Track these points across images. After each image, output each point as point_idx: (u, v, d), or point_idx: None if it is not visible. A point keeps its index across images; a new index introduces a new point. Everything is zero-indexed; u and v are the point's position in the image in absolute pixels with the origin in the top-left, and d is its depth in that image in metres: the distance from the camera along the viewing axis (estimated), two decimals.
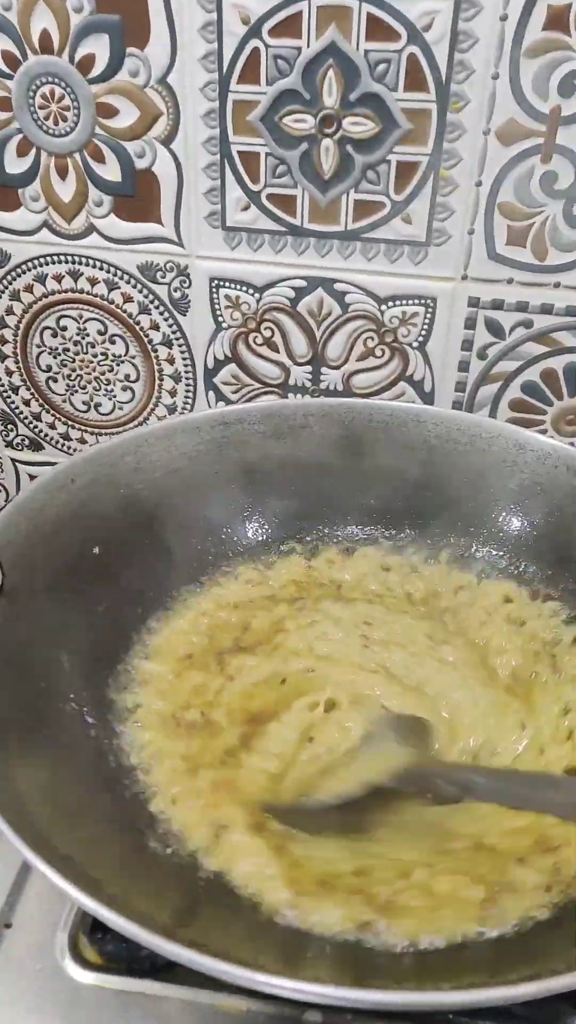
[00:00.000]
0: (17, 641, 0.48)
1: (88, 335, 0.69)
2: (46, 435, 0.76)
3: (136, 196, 0.62)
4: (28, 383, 0.73)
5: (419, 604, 0.57)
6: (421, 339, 0.62)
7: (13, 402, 0.75)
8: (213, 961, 0.33)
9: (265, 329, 0.65)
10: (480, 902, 0.39)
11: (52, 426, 0.75)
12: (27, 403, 0.74)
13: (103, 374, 0.71)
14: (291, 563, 0.60)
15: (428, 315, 0.61)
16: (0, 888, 0.52)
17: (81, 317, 0.69)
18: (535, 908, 0.39)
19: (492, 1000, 0.33)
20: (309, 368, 0.66)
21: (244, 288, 0.63)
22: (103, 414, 0.73)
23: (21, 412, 0.75)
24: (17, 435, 0.77)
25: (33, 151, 0.62)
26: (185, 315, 0.66)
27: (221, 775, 0.47)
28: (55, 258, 0.66)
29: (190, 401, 0.70)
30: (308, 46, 0.54)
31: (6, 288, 0.69)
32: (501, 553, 0.58)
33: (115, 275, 0.66)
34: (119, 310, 0.67)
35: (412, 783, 0.46)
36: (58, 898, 0.51)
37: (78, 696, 0.50)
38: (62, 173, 0.62)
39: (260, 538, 0.61)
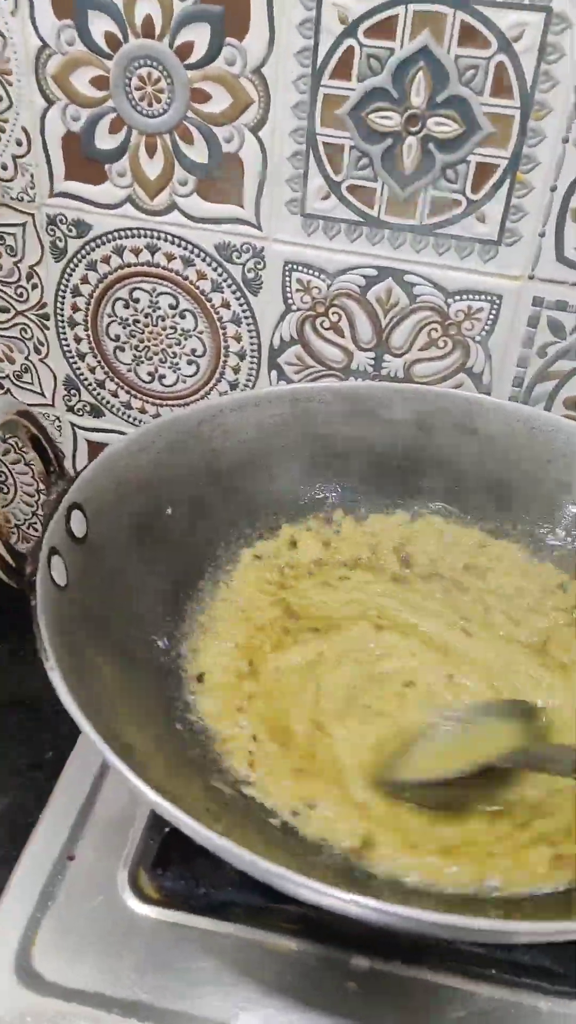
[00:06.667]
0: (97, 587, 0.51)
1: (159, 308, 0.72)
2: (108, 403, 0.79)
3: (220, 178, 0.65)
4: (95, 351, 0.76)
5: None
6: (484, 333, 0.65)
7: (79, 368, 0.78)
8: (273, 867, 0.35)
9: (333, 314, 0.68)
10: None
11: (115, 394, 0.78)
12: (92, 370, 0.77)
13: (170, 347, 0.74)
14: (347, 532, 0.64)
15: (493, 311, 0.64)
16: (64, 821, 0.54)
17: (154, 291, 0.72)
18: None
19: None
20: (372, 354, 0.69)
21: (316, 273, 0.66)
22: (166, 386, 0.76)
23: (86, 379, 0.78)
24: (80, 400, 0.80)
25: (124, 129, 0.65)
26: (256, 295, 0.69)
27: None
28: (135, 232, 0.69)
29: (252, 379, 0.73)
30: (401, 47, 0.57)
31: (83, 258, 0.72)
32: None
33: (192, 252, 0.68)
34: (192, 286, 0.70)
35: (523, 763, 0.47)
36: (120, 833, 0.53)
37: (149, 641, 0.54)
38: (151, 151, 0.65)
39: (322, 509, 0.64)
